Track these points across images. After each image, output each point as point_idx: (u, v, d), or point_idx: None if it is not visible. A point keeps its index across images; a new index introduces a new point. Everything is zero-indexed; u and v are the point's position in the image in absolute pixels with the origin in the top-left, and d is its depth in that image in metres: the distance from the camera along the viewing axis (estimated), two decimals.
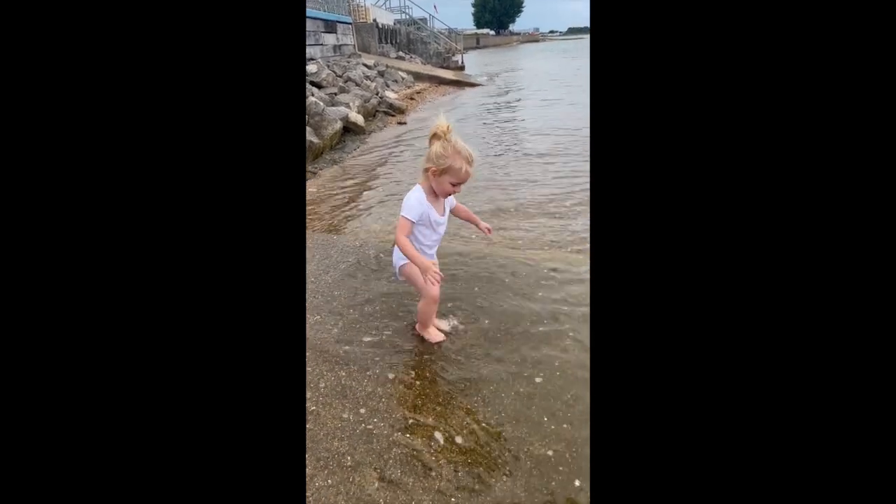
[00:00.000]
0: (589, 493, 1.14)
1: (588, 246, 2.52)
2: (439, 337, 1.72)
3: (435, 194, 1.56)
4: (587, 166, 3.90)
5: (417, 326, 1.73)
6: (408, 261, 1.56)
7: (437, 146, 1.46)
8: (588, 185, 3.46)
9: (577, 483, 1.17)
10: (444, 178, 1.48)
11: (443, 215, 1.62)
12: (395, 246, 1.62)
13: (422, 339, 1.73)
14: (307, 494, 1.15)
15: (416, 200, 1.51)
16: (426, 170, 1.50)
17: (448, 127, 1.47)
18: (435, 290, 1.57)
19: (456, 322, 1.84)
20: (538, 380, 1.52)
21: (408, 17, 18.73)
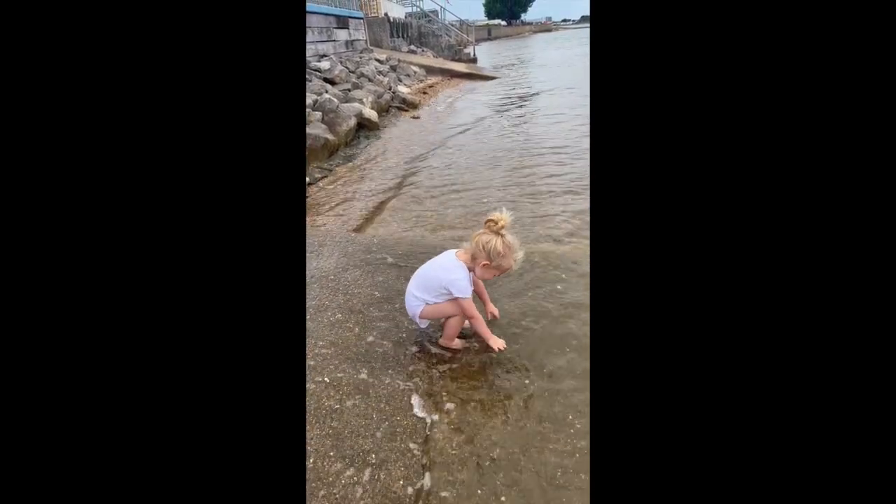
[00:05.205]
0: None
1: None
2: (463, 344, 1.73)
3: (470, 270, 1.61)
4: None
5: (442, 340, 1.72)
6: (425, 305, 1.63)
7: (496, 243, 1.50)
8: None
9: None
10: (492, 270, 1.56)
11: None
12: (407, 296, 1.67)
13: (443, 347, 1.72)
14: (334, 492, 1.18)
15: (466, 281, 1.58)
16: (476, 258, 1.55)
17: (507, 222, 1.50)
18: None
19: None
20: (560, 385, 1.52)
21: (419, 9, 18.61)
